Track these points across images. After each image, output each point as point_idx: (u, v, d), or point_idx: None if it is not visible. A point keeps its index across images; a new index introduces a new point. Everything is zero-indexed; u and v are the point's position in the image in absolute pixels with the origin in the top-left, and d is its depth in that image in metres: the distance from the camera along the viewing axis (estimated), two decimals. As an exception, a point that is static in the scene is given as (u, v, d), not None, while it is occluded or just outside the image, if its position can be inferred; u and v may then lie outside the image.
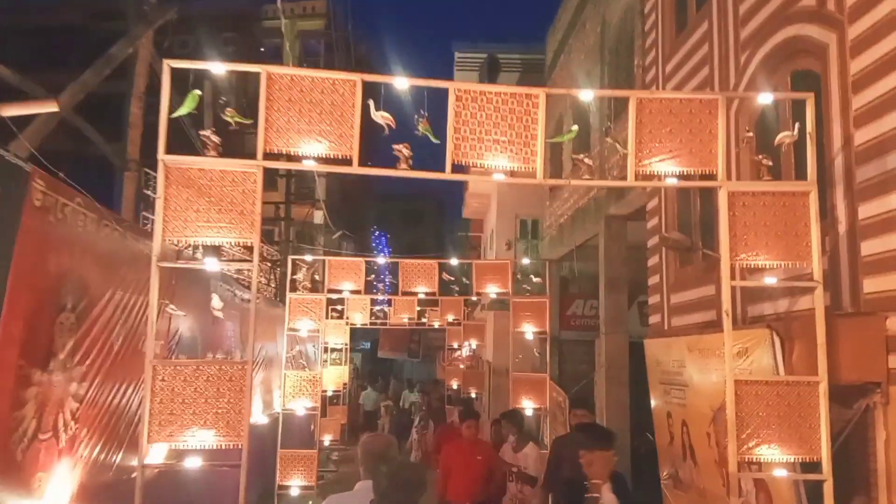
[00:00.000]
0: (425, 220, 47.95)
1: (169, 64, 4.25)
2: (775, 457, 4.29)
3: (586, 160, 4.46)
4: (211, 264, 4.65)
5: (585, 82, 12.21)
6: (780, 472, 4.39)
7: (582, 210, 12.62)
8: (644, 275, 11.24)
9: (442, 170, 4.35)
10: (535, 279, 10.53)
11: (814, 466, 4.36)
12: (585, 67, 13.05)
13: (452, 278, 11.30)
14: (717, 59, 7.14)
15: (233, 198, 4.29)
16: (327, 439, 13.41)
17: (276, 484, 9.87)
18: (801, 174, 4.63)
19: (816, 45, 5.22)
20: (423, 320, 15.32)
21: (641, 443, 10.08)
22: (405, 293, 10.55)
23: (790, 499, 4.68)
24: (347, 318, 13.29)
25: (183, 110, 4.27)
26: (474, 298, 17.07)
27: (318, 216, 22.49)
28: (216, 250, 4.53)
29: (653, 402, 7.58)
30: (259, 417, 12.03)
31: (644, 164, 4.45)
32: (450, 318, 14.63)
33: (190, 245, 5.49)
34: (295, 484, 9.96)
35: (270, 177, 21.92)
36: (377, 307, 15.33)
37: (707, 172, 4.49)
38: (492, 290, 10.29)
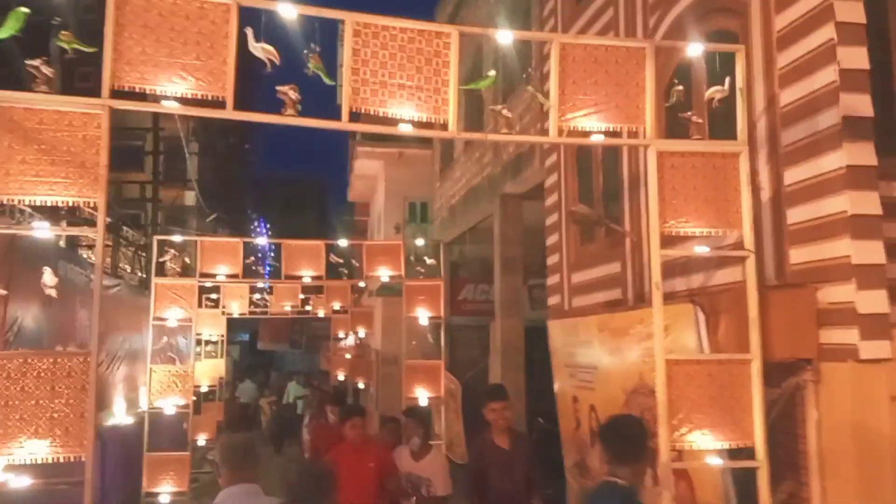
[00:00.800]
0: (307, 205, 46.36)
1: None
2: (707, 444, 3.91)
3: (504, 112, 3.88)
4: (41, 230, 3.70)
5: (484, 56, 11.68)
6: (715, 461, 4.02)
7: (475, 189, 12.17)
8: (536, 257, 10.92)
9: (337, 117, 3.65)
10: (428, 261, 9.91)
11: (742, 451, 4.04)
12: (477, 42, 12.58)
13: (341, 261, 10.48)
14: (622, 25, 6.80)
15: (71, 146, 3.41)
16: (202, 439, 12.30)
17: (143, 492, 8.80)
18: (729, 136, 4.27)
19: (736, 2, 4.91)
20: (308, 308, 14.38)
21: (533, 427, 9.79)
22: (289, 277, 9.65)
23: (715, 487, 4.35)
24: (224, 307, 12.19)
25: (2, 33, 3.34)
26: (362, 284, 16.33)
27: (190, 197, 20.88)
28: (53, 215, 3.57)
29: (556, 386, 7.19)
30: (123, 418, 10.82)
31: (567, 118, 3.93)
32: (336, 305, 13.72)
33: (16, 205, 4.41)
34: (165, 490, 8.92)
35: (135, 154, 20.04)
36: (257, 295, 14.38)
37: (634, 129, 4.04)
38: (383, 273, 9.61)
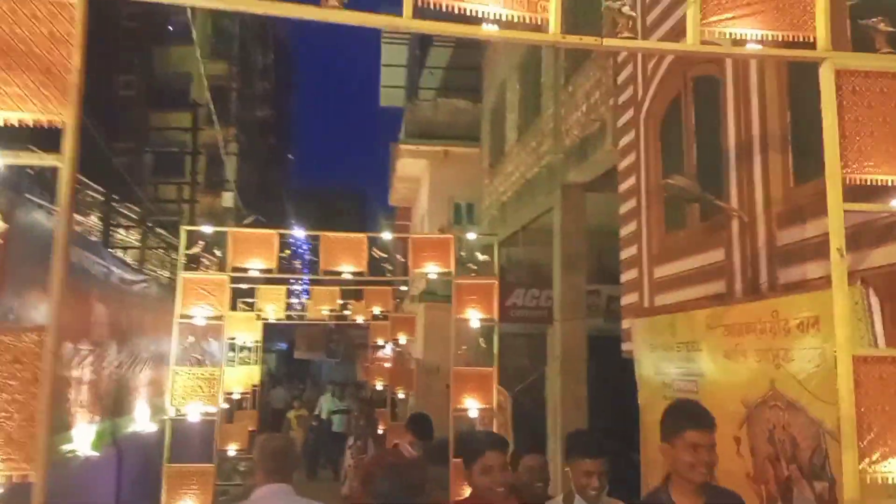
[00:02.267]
0: (347, 214, 45.71)
1: None
2: (912, 475, 2.76)
3: (626, 9, 2.81)
4: None
5: None
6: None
7: (531, 182, 11.10)
8: (595, 261, 9.81)
9: (398, 13, 2.64)
10: (481, 257, 8.85)
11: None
12: None
13: (384, 255, 9.48)
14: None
15: (32, 45, 2.46)
16: (232, 449, 11.37)
17: (161, 508, 7.86)
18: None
19: None
20: (346, 313, 13.57)
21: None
22: (328, 273, 8.63)
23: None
24: (259, 311, 11.47)
25: None
26: (404, 288, 15.35)
27: (228, 199, 20.18)
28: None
29: (641, 400, 6.03)
30: (145, 425, 9.94)
31: (712, 21, 2.86)
32: (376, 310, 12.72)
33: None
34: (185, 506, 7.96)
35: (171, 159, 19.51)
36: (294, 299, 13.81)
37: (802, 39, 2.94)
38: (431, 269, 8.54)
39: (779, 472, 4.19)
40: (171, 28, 21.10)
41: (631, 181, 7.34)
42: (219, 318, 8.54)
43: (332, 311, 12.86)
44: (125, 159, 14.57)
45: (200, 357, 10.56)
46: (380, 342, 14.35)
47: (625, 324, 6.99)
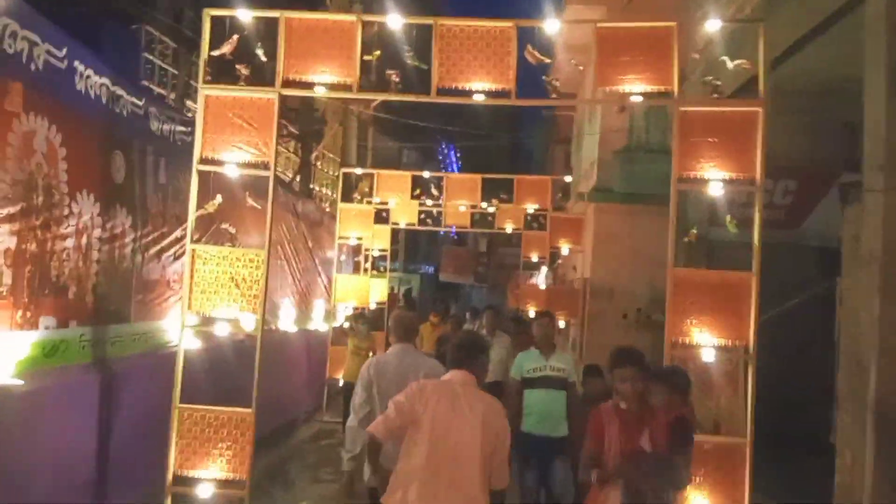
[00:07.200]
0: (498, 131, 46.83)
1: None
2: None
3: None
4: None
5: None
6: None
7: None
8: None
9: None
10: (731, 64, 5.04)
11: None
12: None
13: (546, 60, 5.19)
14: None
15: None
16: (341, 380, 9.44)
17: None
18: None
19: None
20: (490, 210, 11.52)
21: None
22: (444, 92, 5.05)
23: None
24: (394, 223, 11.93)
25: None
26: (568, 179, 13.79)
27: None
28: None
29: None
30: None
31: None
32: (530, 208, 11.05)
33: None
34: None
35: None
36: (429, 201, 11.79)
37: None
38: (635, 86, 5.05)
39: None
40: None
41: None
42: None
43: (472, 205, 11.23)
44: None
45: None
46: (534, 258, 12.07)
47: None
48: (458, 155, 38.89)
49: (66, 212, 4.66)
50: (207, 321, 5.10)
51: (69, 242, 4.70)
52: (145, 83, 9.74)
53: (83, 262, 4.86)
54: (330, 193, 18.77)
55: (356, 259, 13.24)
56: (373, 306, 11.61)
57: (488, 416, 3.41)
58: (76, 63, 4.76)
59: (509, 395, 5.94)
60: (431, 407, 3.38)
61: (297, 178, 15.34)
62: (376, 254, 12.33)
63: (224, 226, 5.53)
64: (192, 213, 5.01)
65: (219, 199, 5.06)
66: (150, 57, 10.59)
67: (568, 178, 14.15)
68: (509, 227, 11.68)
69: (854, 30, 4.85)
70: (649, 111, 11.04)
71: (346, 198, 12.21)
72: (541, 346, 6.09)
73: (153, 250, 5.83)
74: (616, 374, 3.89)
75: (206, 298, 4.92)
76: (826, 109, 6.89)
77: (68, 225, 4.68)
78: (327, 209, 14.05)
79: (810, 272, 7.55)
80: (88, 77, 4.92)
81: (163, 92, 10.73)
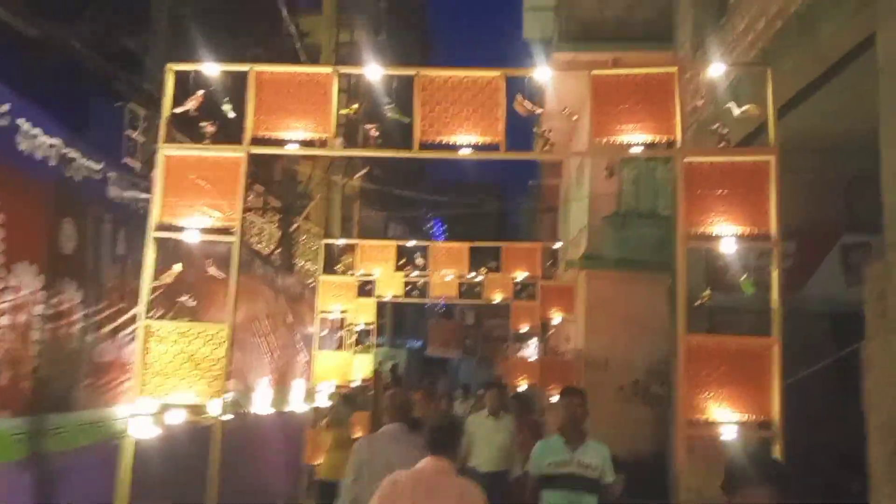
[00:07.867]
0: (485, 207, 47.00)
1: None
2: None
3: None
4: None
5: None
6: None
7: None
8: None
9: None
10: (737, 111, 4.59)
11: None
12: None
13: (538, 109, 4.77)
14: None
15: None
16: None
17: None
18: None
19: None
20: (477, 279, 10.88)
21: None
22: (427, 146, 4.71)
23: None
24: (378, 296, 11.26)
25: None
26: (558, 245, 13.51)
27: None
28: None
29: None
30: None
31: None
32: (519, 276, 10.32)
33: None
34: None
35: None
36: (415, 272, 11.06)
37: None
38: (635, 136, 4.63)
39: None
40: None
41: None
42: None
43: (459, 276, 10.64)
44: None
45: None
46: (523, 329, 11.42)
47: None
48: (445, 227, 39.17)
49: (0, 285, 4.10)
50: (165, 407, 4.51)
51: (4, 320, 4.13)
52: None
53: (21, 343, 4.28)
54: (312, 268, 18.40)
55: (339, 334, 12.74)
56: (356, 383, 11.01)
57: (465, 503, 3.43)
58: (19, 121, 4.30)
59: (520, 492, 5.03)
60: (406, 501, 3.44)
61: (278, 251, 14.95)
62: (360, 328, 11.75)
63: (183, 298, 4.98)
64: (147, 285, 4.48)
65: (177, 267, 4.54)
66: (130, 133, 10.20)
67: (556, 245, 13.93)
68: (498, 297, 11.14)
69: (860, 80, 4.61)
70: (638, 175, 10.94)
71: (329, 270, 11.77)
72: (566, 433, 4.96)
73: (107, 328, 5.22)
74: (746, 494, 2.58)
75: (160, 382, 4.33)
76: (827, 168, 6.70)
77: (3, 300, 4.12)
78: (311, 284, 13.57)
79: (816, 338, 7.06)
80: (35, 137, 4.46)
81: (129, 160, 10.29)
